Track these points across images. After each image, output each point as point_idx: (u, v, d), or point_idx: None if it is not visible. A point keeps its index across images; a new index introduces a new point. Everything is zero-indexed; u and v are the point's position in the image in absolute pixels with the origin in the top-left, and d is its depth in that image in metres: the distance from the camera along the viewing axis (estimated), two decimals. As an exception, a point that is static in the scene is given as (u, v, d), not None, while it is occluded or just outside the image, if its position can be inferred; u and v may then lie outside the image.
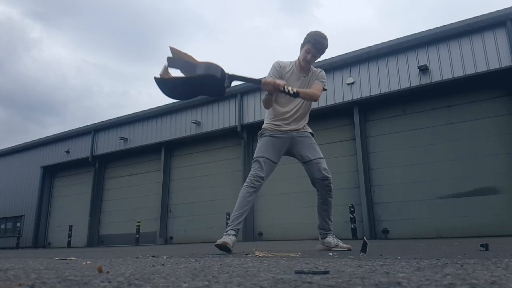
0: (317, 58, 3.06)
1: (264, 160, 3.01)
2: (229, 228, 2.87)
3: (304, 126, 3.17)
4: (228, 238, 2.76)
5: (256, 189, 2.97)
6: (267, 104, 3.03)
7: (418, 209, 8.40)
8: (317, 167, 3.05)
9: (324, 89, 3.12)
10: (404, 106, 9.12)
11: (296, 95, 2.82)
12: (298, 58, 3.12)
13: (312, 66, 3.16)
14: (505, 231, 7.26)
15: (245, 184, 2.99)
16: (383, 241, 7.25)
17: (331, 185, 3.08)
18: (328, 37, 3.08)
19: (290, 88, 2.79)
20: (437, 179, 8.33)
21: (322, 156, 3.12)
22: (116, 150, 13.88)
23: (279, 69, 3.08)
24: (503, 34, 7.87)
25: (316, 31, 3.05)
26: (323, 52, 3.07)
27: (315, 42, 2.99)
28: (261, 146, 3.08)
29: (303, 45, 3.07)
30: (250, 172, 3.01)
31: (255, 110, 10.89)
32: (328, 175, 3.06)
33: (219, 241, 2.71)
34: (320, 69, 3.20)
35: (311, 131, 3.21)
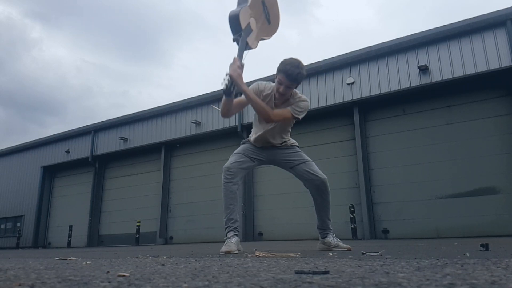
0: (292, 89, 2.78)
1: (238, 155, 2.97)
2: (227, 230, 2.87)
3: (286, 140, 3.03)
4: (231, 245, 2.74)
5: (231, 182, 2.86)
6: (224, 107, 2.72)
7: (418, 209, 8.40)
8: (303, 169, 2.94)
9: (295, 117, 2.80)
10: (404, 106, 9.12)
11: (229, 88, 2.53)
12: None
13: (296, 92, 2.88)
14: (505, 231, 7.26)
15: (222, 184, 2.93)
16: (383, 241, 7.26)
17: (325, 186, 2.94)
18: (302, 64, 2.72)
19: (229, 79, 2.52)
20: (437, 179, 8.33)
21: (308, 159, 3.00)
22: (116, 150, 13.88)
23: (256, 91, 2.83)
24: (503, 34, 7.87)
25: (290, 59, 2.75)
26: (298, 82, 2.75)
27: (286, 73, 2.68)
28: (238, 149, 3.06)
29: (276, 74, 2.77)
30: None
31: (255, 110, 10.87)
32: (315, 176, 2.92)
33: (222, 251, 2.69)
34: (303, 97, 2.87)
35: (296, 144, 3.08)
